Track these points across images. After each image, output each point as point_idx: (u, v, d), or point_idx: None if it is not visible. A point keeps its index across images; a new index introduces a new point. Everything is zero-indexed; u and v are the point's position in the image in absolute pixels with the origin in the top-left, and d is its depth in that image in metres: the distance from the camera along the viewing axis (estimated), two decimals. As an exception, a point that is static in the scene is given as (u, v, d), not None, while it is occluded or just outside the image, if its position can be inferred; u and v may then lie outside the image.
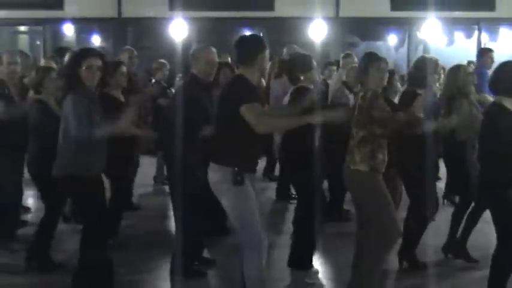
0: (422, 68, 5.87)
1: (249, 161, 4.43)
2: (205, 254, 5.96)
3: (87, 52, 5.14)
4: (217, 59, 5.83)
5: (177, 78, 10.87)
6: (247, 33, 11.51)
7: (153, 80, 8.58)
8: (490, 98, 7.88)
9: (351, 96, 6.50)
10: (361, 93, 4.97)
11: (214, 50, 5.72)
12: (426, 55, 8.17)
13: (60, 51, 8.93)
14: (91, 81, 4.98)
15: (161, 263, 5.97)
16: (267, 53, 4.54)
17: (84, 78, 4.91)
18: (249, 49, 4.48)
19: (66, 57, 7.66)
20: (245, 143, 4.31)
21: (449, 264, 5.88)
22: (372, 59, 5.11)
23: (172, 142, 5.46)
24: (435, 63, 6.07)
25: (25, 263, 5.68)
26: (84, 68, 4.88)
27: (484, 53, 9.14)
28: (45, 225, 5.84)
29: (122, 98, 6.23)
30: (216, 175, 4.41)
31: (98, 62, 5.02)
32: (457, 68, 6.08)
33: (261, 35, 13.15)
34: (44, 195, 5.98)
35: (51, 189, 5.64)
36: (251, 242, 4.38)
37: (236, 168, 4.26)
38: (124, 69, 6.37)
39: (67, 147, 4.95)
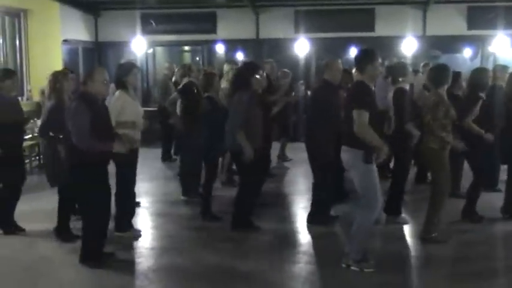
0: (478, 77, 6.98)
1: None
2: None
3: (258, 66, 6.90)
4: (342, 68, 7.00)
5: (300, 83, 13.31)
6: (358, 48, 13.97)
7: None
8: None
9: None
10: (432, 98, 6.17)
11: (340, 61, 6.98)
12: (482, 66, 9.62)
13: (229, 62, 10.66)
14: (257, 86, 6.59)
15: (302, 214, 7.41)
16: (377, 63, 5.32)
17: (255, 84, 6.49)
18: (360, 60, 5.36)
19: (225, 68, 9.72)
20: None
21: (501, 221, 7.15)
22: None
23: (312, 127, 6.92)
24: (488, 72, 7.26)
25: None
26: (256, 76, 6.51)
27: (544, 63, 9.45)
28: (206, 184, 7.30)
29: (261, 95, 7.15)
30: (350, 155, 5.29)
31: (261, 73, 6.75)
32: None
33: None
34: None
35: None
36: (369, 206, 5.28)
37: (367, 151, 5.16)
38: (264, 75, 7.53)
39: (232, 130, 6.40)
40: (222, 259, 6.00)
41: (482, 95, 6.89)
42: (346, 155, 5.38)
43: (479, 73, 7.13)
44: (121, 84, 6.49)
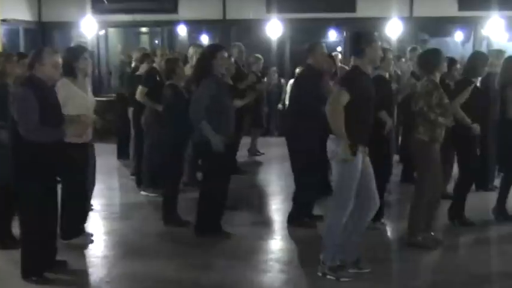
0: (474, 61, 7.02)
1: (362, 135, 5.23)
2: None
3: (220, 47, 6.78)
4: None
5: (273, 69, 13.58)
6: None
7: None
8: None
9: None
10: (425, 83, 6.16)
11: (324, 45, 7.00)
12: (478, 50, 9.84)
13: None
14: (221, 70, 6.61)
15: (275, 217, 7.67)
16: (376, 44, 5.30)
17: (217, 67, 6.45)
18: (357, 43, 5.31)
19: (190, 51, 9.52)
20: (357, 120, 5.12)
21: (494, 224, 7.19)
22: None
23: (293, 116, 6.92)
24: (486, 56, 7.27)
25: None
26: (217, 58, 6.42)
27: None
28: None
29: (231, 82, 7.95)
30: (333, 144, 5.23)
31: (226, 55, 6.68)
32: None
33: (345, 33, 14.99)
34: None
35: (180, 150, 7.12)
36: (339, 205, 5.31)
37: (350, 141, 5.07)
38: (232, 61, 8.17)
39: (194, 120, 6.35)
40: (185, 269, 5.89)
41: (475, 80, 6.96)
42: (331, 143, 5.30)
43: (478, 57, 7.13)
44: (69, 71, 6.32)
